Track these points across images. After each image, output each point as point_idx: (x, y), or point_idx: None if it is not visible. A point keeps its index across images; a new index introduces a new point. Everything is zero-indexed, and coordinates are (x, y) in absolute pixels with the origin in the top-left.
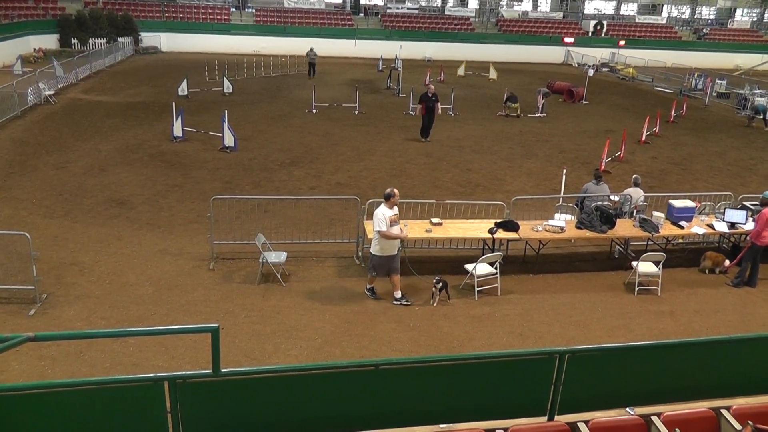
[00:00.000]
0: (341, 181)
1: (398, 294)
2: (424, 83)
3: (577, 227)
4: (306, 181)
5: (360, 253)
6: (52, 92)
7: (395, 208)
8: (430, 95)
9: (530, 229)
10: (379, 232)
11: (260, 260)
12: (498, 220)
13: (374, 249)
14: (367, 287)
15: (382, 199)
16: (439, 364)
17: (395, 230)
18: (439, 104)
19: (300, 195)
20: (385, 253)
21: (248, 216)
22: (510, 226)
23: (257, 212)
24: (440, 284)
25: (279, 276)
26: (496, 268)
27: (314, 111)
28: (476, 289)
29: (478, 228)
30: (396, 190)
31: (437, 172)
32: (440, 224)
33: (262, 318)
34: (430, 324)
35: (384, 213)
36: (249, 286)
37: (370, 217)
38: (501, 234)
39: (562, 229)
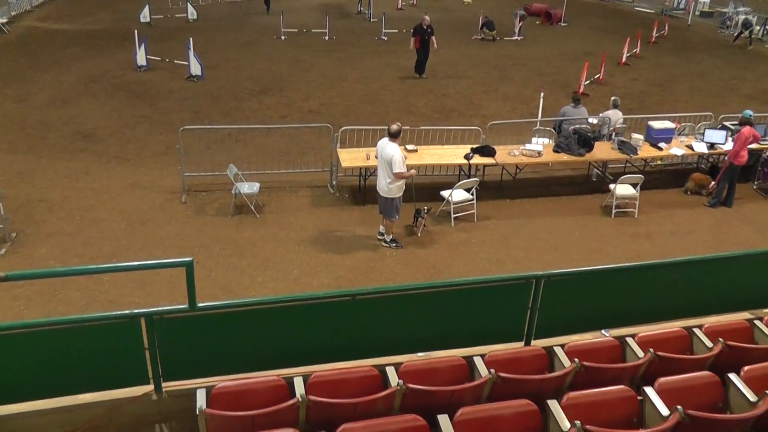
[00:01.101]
0: (313, 108)
1: (383, 228)
2: (396, 8)
3: (555, 151)
4: (277, 110)
5: (334, 182)
6: (4, 20)
7: None
8: (425, 27)
9: (507, 154)
10: (399, 174)
11: (233, 192)
12: (474, 146)
13: (395, 192)
14: (389, 238)
15: (356, 125)
16: (416, 292)
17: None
18: (434, 38)
19: (271, 124)
20: (402, 192)
21: (219, 146)
22: (486, 151)
23: (228, 142)
24: (423, 214)
25: (252, 207)
26: (472, 194)
27: (283, 37)
28: (452, 215)
29: (453, 154)
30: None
31: (411, 98)
32: (415, 151)
33: (237, 251)
34: (407, 252)
35: (401, 153)
36: (222, 219)
37: (344, 144)
38: (477, 159)
39: (539, 153)
